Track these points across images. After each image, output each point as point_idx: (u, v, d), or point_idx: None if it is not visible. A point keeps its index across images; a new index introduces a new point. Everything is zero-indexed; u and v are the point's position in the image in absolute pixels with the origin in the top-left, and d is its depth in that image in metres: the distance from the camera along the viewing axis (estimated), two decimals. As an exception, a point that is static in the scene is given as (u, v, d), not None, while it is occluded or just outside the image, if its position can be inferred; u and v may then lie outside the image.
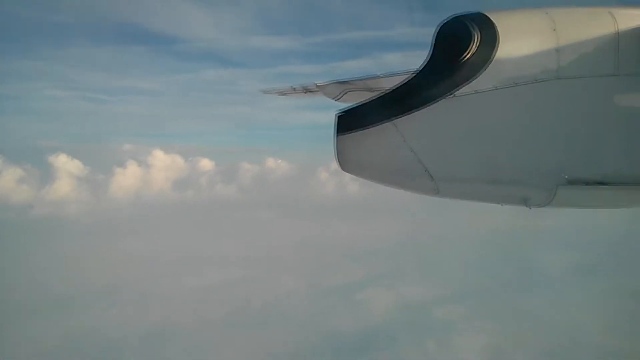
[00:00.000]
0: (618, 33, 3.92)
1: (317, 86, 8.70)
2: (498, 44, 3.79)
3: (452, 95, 3.81)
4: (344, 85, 8.13)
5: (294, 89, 9.67)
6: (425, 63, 3.93)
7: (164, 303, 64.17)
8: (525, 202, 4.18)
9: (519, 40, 3.88)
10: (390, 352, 51.43)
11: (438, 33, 3.92)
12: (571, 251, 65.25)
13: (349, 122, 3.99)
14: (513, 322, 54.79)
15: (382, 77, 7.67)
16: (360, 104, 4.13)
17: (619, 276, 56.34)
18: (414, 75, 3.97)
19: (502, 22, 3.85)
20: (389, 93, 4.07)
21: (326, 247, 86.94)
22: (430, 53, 3.91)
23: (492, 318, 56.52)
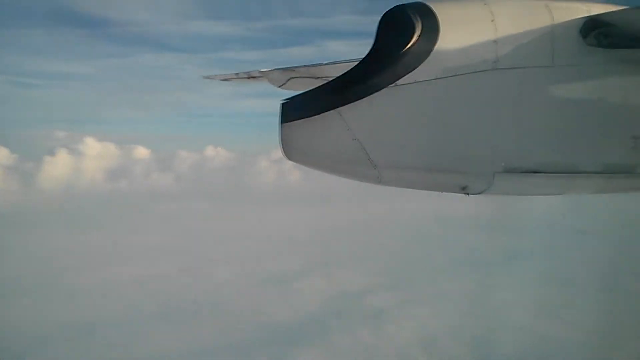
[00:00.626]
0: (553, 25, 4.07)
1: (261, 72, 8.66)
2: (439, 34, 3.87)
3: (394, 85, 3.87)
4: (288, 72, 8.12)
5: (237, 75, 9.60)
6: (369, 52, 3.97)
7: (93, 298, 62.23)
8: (463, 189, 4.30)
9: (459, 31, 3.96)
10: (324, 341, 51.86)
11: (381, 22, 3.97)
12: (505, 237, 67.57)
13: (294, 110, 4.01)
14: (446, 308, 56.33)
15: (326, 65, 7.72)
16: (305, 92, 4.14)
17: (551, 262, 58.77)
18: (358, 64, 4.01)
19: (443, 13, 3.93)
20: (333, 82, 4.10)
21: (264, 236, 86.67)
22: (374, 42, 3.97)
23: (425, 305, 57.90)
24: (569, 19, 4.12)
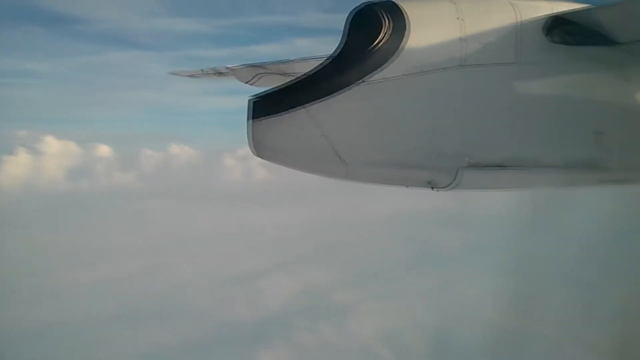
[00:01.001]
0: (518, 23, 4.15)
1: (228, 69, 8.59)
2: (407, 32, 3.91)
3: (363, 82, 3.90)
4: (256, 69, 8.09)
5: (204, 71, 9.50)
6: (337, 50, 3.99)
7: (53, 299, 60.65)
8: (430, 184, 4.37)
9: (427, 29, 4.01)
10: (288, 339, 51.75)
11: (350, 20, 3.99)
12: (469, 232, 68.31)
13: (263, 107, 4.00)
14: (409, 302, 56.78)
15: (295, 62, 7.71)
16: (274, 89, 4.13)
17: (514, 255, 59.60)
18: (327, 61, 4.03)
19: (411, 11, 3.97)
20: (302, 79, 4.10)
21: (228, 235, 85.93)
22: (343, 40, 3.98)
23: (388, 299, 58.23)
24: (534, 17, 4.20)
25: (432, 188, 4.42)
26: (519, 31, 4.16)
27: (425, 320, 52.04)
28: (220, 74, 9.22)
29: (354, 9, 4.03)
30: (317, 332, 52.81)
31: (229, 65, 8.58)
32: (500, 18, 4.15)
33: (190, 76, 10.13)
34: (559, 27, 4.24)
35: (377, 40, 3.88)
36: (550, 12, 4.24)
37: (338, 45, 4.01)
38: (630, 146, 4.78)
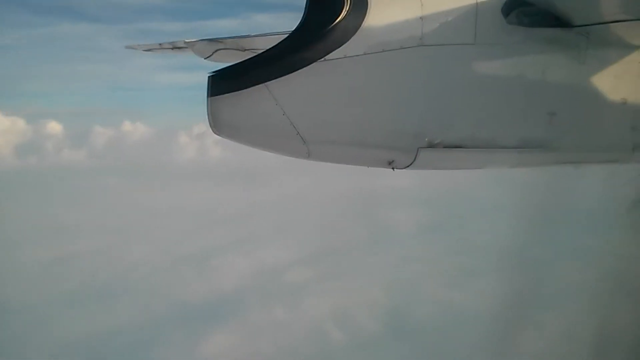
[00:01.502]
0: (477, 4, 4.16)
1: (186, 43, 8.43)
2: (368, 10, 3.88)
3: (323, 60, 3.87)
4: (215, 44, 7.96)
5: (161, 45, 9.30)
6: (298, 26, 3.95)
7: (3, 280, 58.75)
8: (390, 164, 4.38)
9: (387, 7, 3.99)
10: (240, 319, 51.78)
11: None
12: (423, 210, 69.23)
13: (222, 83, 3.94)
14: (362, 282, 57.45)
15: (254, 37, 7.62)
16: (233, 65, 4.09)
17: (464, 234, 60.70)
18: (287, 37, 3.98)
19: None
20: (262, 55, 4.05)
21: (182, 214, 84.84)
22: (303, 16, 3.93)
23: (341, 279, 58.80)
24: None
25: (393, 168, 4.43)
26: (477, 11, 4.17)
27: (380, 300, 52.85)
28: (178, 48, 9.05)
29: None
30: (270, 312, 52.94)
31: (187, 40, 8.42)
32: None
33: (147, 50, 9.92)
34: (516, 9, 4.27)
35: (338, 18, 3.84)
36: None
37: (299, 22, 3.96)
38: (583, 127, 4.91)
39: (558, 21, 4.35)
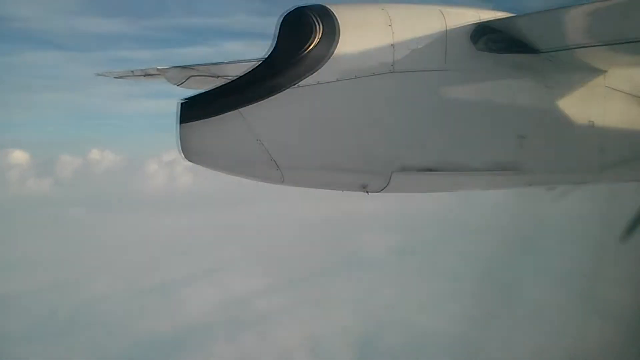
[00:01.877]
0: (446, 31, 4.25)
1: (158, 70, 8.40)
2: (339, 36, 3.92)
3: (296, 86, 3.89)
4: (187, 71, 7.96)
5: (133, 72, 9.24)
6: (270, 52, 3.96)
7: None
8: (363, 188, 4.40)
9: (359, 34, 4.04)
10: (207, 352, 50.71)
11: (282, 23, 3.97)
12: (395, 235, 69.25)
13: (194, 110, 3.92)
14: (333, 308, 57.00)
15: (226, 64, 7.63)
16: (205, 91, 4.06)
17: (440, 258, 60.79)
18: (260, 64, 3.99)
19: (343, 16, 3.99)
20: (234, 81, 4.05)
21: (150, 243, 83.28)
22: (275, 43, 3.96)
23: (312, 306, 58.26)
24: (461, 24, 4.32)
25: (367, 192, 4.44)
26: (447, 39, 4.26)
27: (350, 326, 52.40)
28: (149, 75, 9.03)
29: (285, 13, 4.02)
30: (238, 342, 51.96)
31: (159, 67, 8.39)
32: (429, 25, 4.24)
33: (119, 77, 9.86)
34: (484, 35, 4.37)
35: (309, 44, 3.88)
36: (477, 20, 4.37)
37: (271, 48, 3.98)
38: (552, 150, 5.01)
39: (525, 47, 4.45)
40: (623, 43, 4.28)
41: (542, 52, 4.52)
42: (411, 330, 48.46)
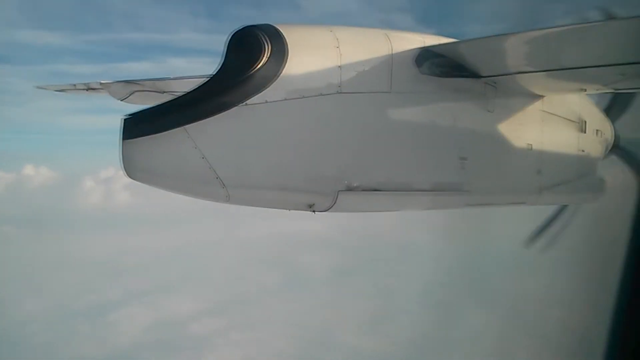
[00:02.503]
0: (392, 54, 4.35)
1: (101, 84, 8.18)
2: (287, 56, 3.94)
3: (244, 104, 3.87)
4: (131, 85, 7.79)
5: (75, 86, 8.96)
6: (217, 70, 3.94)
7: None
8: (310, 207, 4.41)
9: (306, 55, 4.08)
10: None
11: (230, 42, 3.97)
12: (333, 254, 69.16)
13: (138, 126, 3.83)
14: (270, 330, 56.26)
15: (172, 80, 7.53)
16: (150, 107, 3.97)
17: (380, 279, 60.99)
18: (207, 81, 3.96)
19: (291, 36, 4.02)
20: (180, 98, 3.99)
21: (82, 263, 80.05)
22: (223, 61, 3.94)
23: (250, 328, 57.36)
24: (406, 48, 4.43)
25: (313, 211, 4.45)
26: (392, 62, 4.35)
27: (288, 349, 51.81)
28: (92, 89, 8.80)
29: (234, 31, 4.01)
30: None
31: (102, 81, 8.18)
32: (375, 48, 4.33)
33: (60, 91, 9.53)
34: (429, 59, 4.49)
35: (258, 63, 3.87)
36: (422, 45, 4.49)
37: (219, 66, 3.95)
38: (492, 171, 5.20)
39: (468, 72, 4.62)
40: (559, 70, 4.53)
41: (484, 77, 4.72)
42: (346, 352, 48.32)
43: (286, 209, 4.51)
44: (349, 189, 4.34)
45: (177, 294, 66.60)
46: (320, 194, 4.33)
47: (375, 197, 4.51)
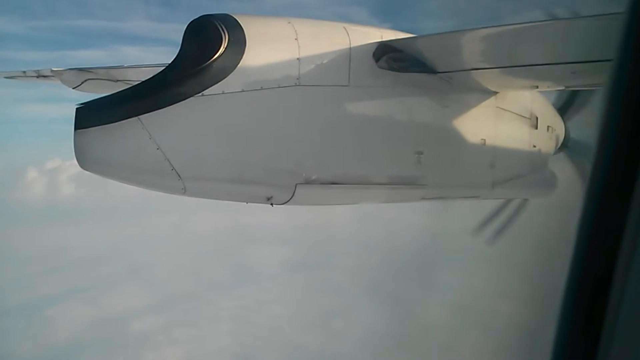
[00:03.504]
0: (350, 48, 4.37)
1: (53, 72, 7.90)
2: (245, 47, 3.92)
3: (201, 95, 3.83)
4: (84, 73, 7.59)
5: (25, 73, 8.64)
6: (174, 59, 3.89)
7: None
8: (268, 200, 4.39)
9: (265, 47, 4.06)
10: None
11: (188, 31, 3.92)
12: (287, 248, 68.49)
13: (91, 115, 3.74)
14: (215, 326, 55.37)
15: (127, 68, 7.36)
16: (104, 96, 3.92)
17: (328, 273, 60.67)
18: (164, 71, 3.90)
19: (250, 27, 3.99)
20: (136, 87, 3.93)
21: (19, 257, 76.94)
22: (180, 50, 3.89)
23: (194, 325, 56.31)
24: (364, 42, 4.45)
25: (271, 204, 4.45)
26: (351, 56, 4.38)
27: (232, 347, 51.21)
28: (44, 77, 8.51)
29: (193, 21, 3.97)
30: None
31: (54, 68, 7.92)
32: (334, 41, 4.35)
33: (9, 77, 9.16)
34: (386, 54, 4.52)
35: (216, 54, 3.84)
36: (379, 39, 4.52)
37: (176, 56, 3.91)
38: (447, 165, 5.27)
39: (424, 67, 4.66)
40: (512, 67, 4.67)
41: (440, 73, 4.77)
42: (291, 350, 48.15)
43: (244, 202, 4.49)
44: (307, 181, 4.35)
45: (120, 290, 64.54)
46: (279, 187, 4.33)
47: (333, 190, 4.54)
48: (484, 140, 5.52)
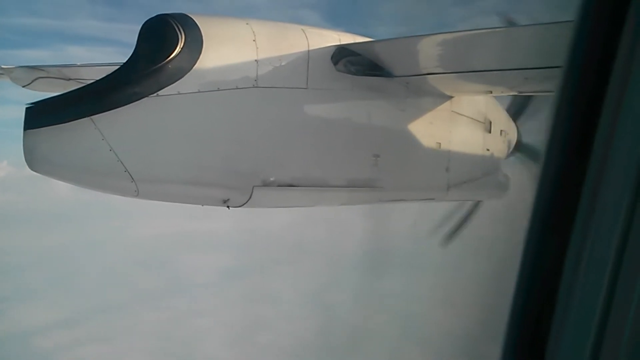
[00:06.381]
0: (309, 50, 4.38)
1: (2, 69, 7.63)
2: (202, 47, 3.87)
3: (155, 95, 3.75)
4: (35, 72, 7.37)
5: None
6: (129, 59, 3.81)
7: None
8: (224, 202, 4.34)
9: (223, 48, 4.02)
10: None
11: (143, 30, 3.85)
12: (227, 254, 66.60)
13: (42, 115, 3.64)
14: (128, 342, 52.15)
15: (80, 67, 7.18)
16: (55, 96, 3.82)
17: (263, 281, 59.15)
18: (117, 70, 3.81)
19: (207, 27, 3.95)
20: (88, 86, 3.85)
21: None
22: (135, 50, 3.82)
23: (105, 341, 52.84)
24: (323, 45, 4.47)
25: (228, 206, 4.39)
26: (309, 58, 4.38)
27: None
28: None
29: (149, 20, 3.90)
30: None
31: (3, 66, 7.64)
32: (293, 43, 4.34)
33: None
34: (344, 57, 4.55)
35: (172, 53, 3.78)
36: (338, 42, 4.55)
37: (130, 56, 3.83)
38: (404, 168, 5.34)
39: (382, 71, 4.72)
40: (467, 72, 4.76)
41: (397, 77, 4.84)
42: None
43: (199, 204, 4.45)
44: (265, 184, 4.33)
45: (33, 302, 59.14)
46: (235, 189, 4.29)
47: (290, 193, 4.53)
48: (439, 143, 5.63)
